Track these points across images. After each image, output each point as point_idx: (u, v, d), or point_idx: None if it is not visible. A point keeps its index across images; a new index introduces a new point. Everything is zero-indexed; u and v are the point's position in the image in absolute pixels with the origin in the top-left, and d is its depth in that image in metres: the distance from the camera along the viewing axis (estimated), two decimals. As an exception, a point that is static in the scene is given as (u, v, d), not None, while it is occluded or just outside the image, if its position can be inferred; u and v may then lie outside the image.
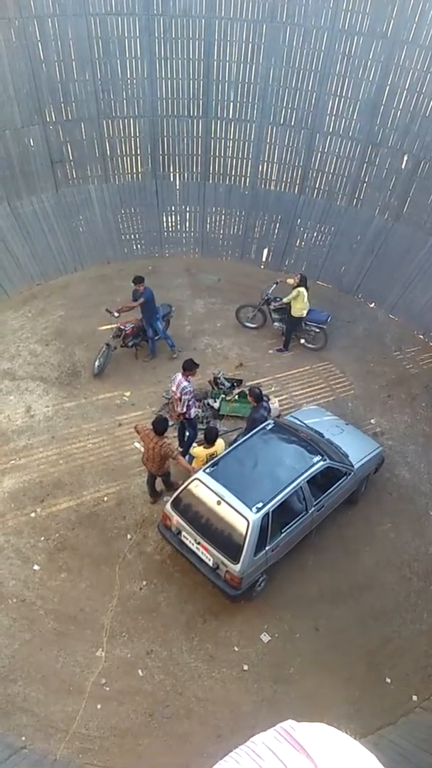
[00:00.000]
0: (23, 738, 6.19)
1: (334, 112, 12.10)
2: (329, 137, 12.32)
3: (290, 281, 10.67)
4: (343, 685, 6.83)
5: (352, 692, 6.79)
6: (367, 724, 6.43)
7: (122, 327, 10.18)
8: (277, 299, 10.90)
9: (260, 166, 13.04)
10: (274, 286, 10.99)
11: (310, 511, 7.41)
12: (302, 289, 10.45)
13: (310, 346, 11.20)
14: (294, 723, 0.77)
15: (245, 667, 6.92)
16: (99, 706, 6.52)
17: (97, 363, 10.18)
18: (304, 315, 10.72)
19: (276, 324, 11.24)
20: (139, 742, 6.29)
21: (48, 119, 11.68)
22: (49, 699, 6.54)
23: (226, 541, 6.77)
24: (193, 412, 8.62)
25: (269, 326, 11.37)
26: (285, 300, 10.69)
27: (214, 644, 7.09)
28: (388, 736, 6.27)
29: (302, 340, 11.18)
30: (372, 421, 9.99)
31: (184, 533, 7.17)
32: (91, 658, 6.89)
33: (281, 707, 6.58)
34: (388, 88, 11.43)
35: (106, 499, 8.51)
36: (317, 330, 10.98)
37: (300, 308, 10.60)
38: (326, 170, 12.62)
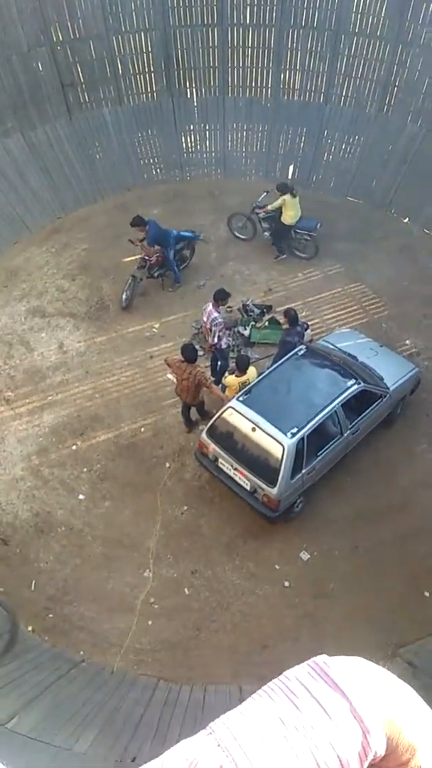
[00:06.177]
0: (81, 653, 6.64)
1: (360, 10, 11.11)
2: (355, 38, 11.38)
3: None
4: (382, 599, 7.05)
5: (391, 605, 7.01)
6: (406, 635, 6.69)
7: (146, 257, 10.00)
8: (263, 206, 10.67)
9: (282, 75, 12.21)
10: (264, 194, 10.73)
11: (345, 435, 7.43)
12: (287, 197, 10.22)
13: (301, 255, 11.04)
14: (327, 658, 0.75)
15: (286, 584, 7.19)
16: (150, 623, 6.91)
17: (124, 296, 10.09)
18: (294, 223, 10.51)
19: (266, 234, 11.03)
20: (189, 654, 6.69)
21: (55, 39, 11.03)
22: (103, 617, 6.96)
23: (262, 466, 6.88)
24: (224, 342, 8.54)
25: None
26: (270, 207, 10.49)
27: (255, 563, 7.36)
28: (427, 646, 6.52)
29: (295, 251, 11.00)
30: (407, 341, 9.78)
31: (221, 460, 7.30)
32: (139, 579, 7.25)
33: (322, 621, 6.88)
34: (420, -25, 10.40)
35: (143, 430, 8.67)
36: (308, 238, 10.77)
37: (291, 216, 10.44)
38: (353, 75, 11.75)
